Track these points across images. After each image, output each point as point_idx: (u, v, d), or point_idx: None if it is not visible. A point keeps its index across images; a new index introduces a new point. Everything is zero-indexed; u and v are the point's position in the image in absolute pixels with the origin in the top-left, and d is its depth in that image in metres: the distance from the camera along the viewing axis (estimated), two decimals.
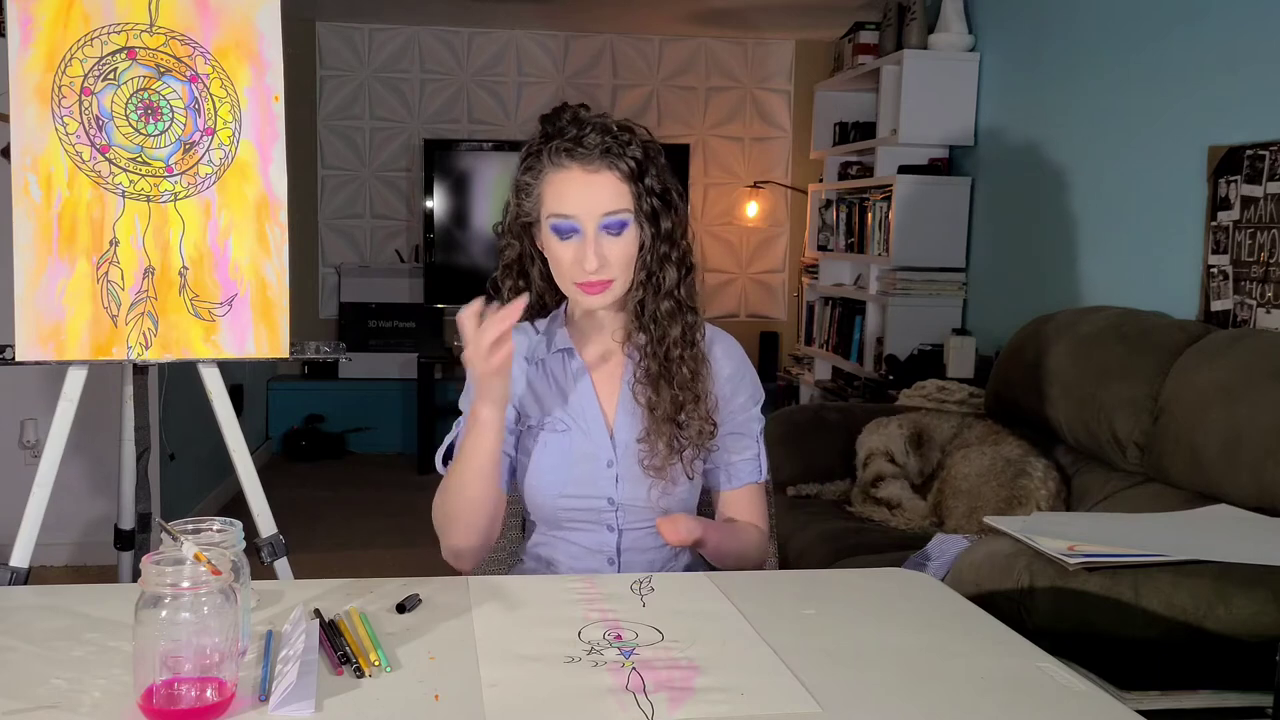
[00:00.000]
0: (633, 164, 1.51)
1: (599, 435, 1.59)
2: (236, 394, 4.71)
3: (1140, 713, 1.07)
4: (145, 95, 2.03)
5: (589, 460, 1.58)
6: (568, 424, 1.59)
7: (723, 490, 1.66)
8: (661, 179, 1.54)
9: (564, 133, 1.51)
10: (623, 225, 1.51)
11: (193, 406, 2.94)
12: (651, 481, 1.57)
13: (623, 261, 1.52)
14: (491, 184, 5.71)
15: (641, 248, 1.53)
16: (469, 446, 1.47)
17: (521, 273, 1.62)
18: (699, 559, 1.62)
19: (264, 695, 1.04)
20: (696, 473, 1.61)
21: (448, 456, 1.57)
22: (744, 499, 1.66)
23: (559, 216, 1.50)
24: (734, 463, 1.64)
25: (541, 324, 1.65)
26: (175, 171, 2.05)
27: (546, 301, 1.65)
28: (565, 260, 1.51)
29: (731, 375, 1.64)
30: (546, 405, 1.60)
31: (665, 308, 1.55)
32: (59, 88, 1.99)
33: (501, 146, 5.72)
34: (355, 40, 5.84)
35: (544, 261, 1.59)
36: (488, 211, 5.72)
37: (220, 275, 2.08)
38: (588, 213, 1.49)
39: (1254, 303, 2.68)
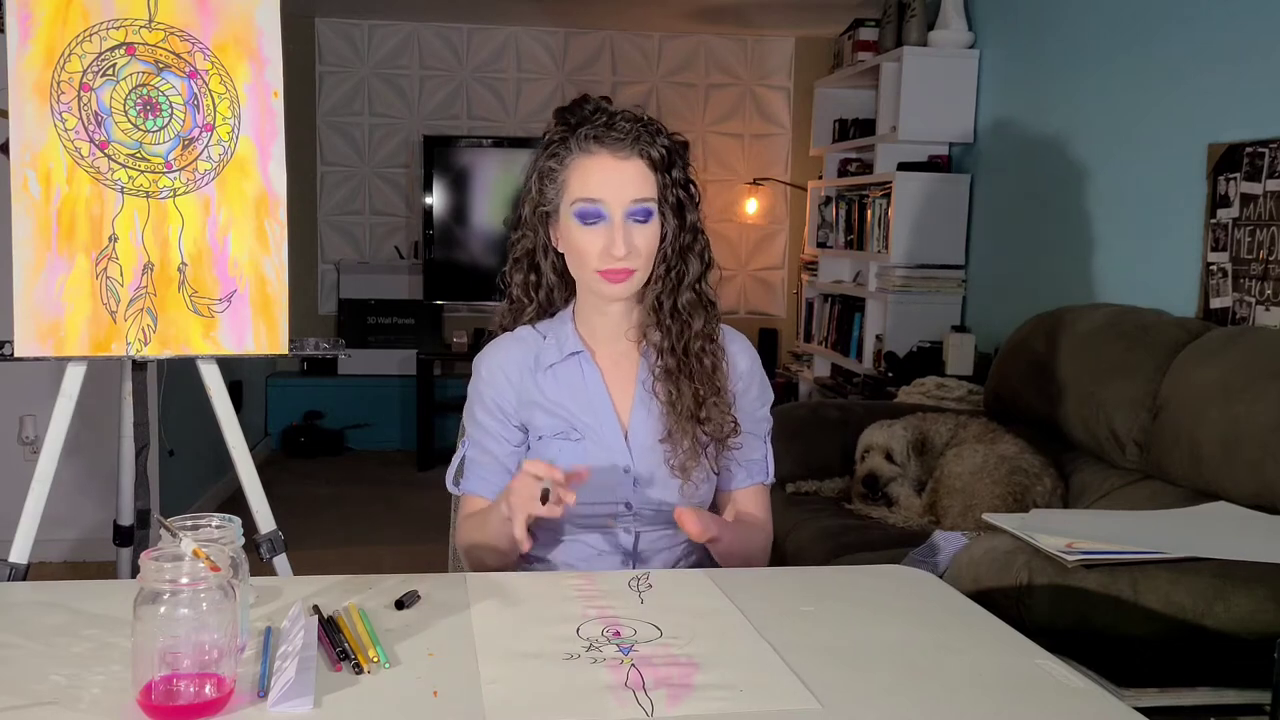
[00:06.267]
0: (662, 153, 1.51)
1: (615, 441, 1.56)
2: (235, 390, 4.71)
3: (1139, 710, 1.07)
4: (144, 91, 2.03)
5: (606, 467, 1.55)
6: (582, 432, 1.56)
7: (729, 489, 1.65)
8: (686, 173, 1.54)
9: (592, 119, 1.51)
10: (649, 214, 1.50)
11: (192, 403, 2.94)
12: (671, 482, 1.55)
13: (646, 251, 1.51)
14: (491, 180, 5.71)
15: (663, 239, 1.53)
16: (496, 538, 1.49)
17: (533, 266, 1.61)
18: (707, 557, 1.62)
19: (263, 691, 1.04)
20: (720, 468, 1.61)
21: (455, 473, 1.62)
22: (749, 499, 1.66)
23: (586, 201, 1.49)
24: (742, 461, 1.63)
25: (544, 326, 1.61)
26: (174, 168, 2.05)
27: (555, 299, 1.62)
28: (589, 247, 1.49)
29: (745, 373, 1.63)
30: (559, 414, 1.57)
31: (687, 299, 1.55)
32: (58, 84, 1.99)
33: (501, 143, 5.72)
34: (354, 36, 5.83)
35: (558, 256, 1.58)
36: (487, 208, 5.72)
37: (219, 271, 2.08)
38: (615, 199, 1.48)
39: (1253, 300, 2.68)
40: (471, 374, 1.63)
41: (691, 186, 1.56)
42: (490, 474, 1.59)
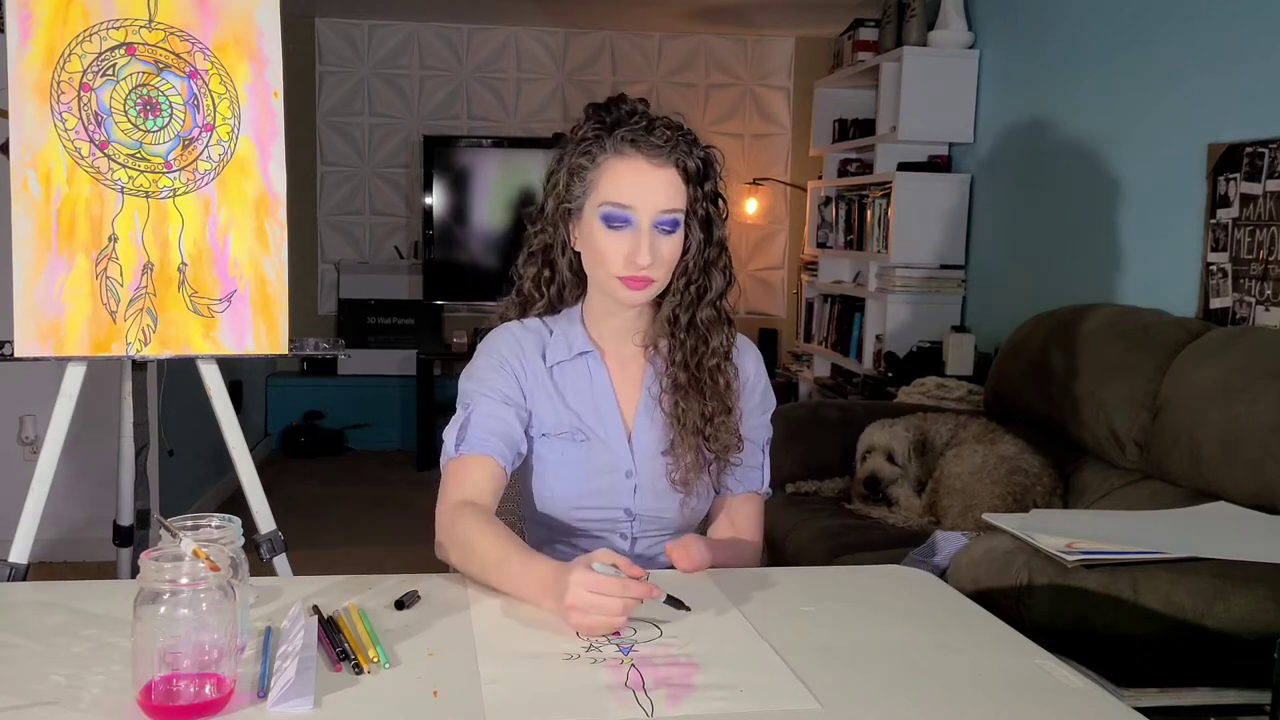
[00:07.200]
0: (698, 164, 1.49)
1: (618, 444, 1.55)
2: (235, 390, 4.71)
3: (1139, 710, 1.07)
4: (144, 91, 2.03)
5: (608, 471, 1.54)
6: (587, 434, 1.54)
7: (722, 495, 1.63)
8: (716, 187, 1.53)
9: (629, 121, 1.48)
10: (675, 224, 1.48)
11: (192, 403, 2.94)
12: (673, 494, 1.54)
13: (669, 262, 1.49)
14: (491, 180, 5.71)
15: (685, 252, 1.51)
16: (514, 586, 1.31)
17: (548, 262, 1.58)
18: None
19: (263, 691, 1.04)
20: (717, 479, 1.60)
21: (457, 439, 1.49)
22: (742, 507, 1.64)
23: (614, 205, 1.46)
24: (738, 468, 1.61)
25: (550, 321, 1.59)
26: (174, 168, 2.05)
27: (565, 297, 1.60)
28: (612, 252, 1.47)
29: (748, 380, 1.62)
30: (564, 413, 1.55)
31: (707, 315, 1.54)
32: (58, 84, 1.99)
33: (501, 143, 5.72)
34: (354, 36, 5.83)
35: (575, 254, 1.56)
36: (487, 208, 5.72)
37: (219, 271, 2.08)
38: (645, 206, 1.46)
39: (1253, 300, 2.68)
40: (480, 349, 1.57)
41: (720, 201, 1.54)
42: (496, 432, 1.48)
